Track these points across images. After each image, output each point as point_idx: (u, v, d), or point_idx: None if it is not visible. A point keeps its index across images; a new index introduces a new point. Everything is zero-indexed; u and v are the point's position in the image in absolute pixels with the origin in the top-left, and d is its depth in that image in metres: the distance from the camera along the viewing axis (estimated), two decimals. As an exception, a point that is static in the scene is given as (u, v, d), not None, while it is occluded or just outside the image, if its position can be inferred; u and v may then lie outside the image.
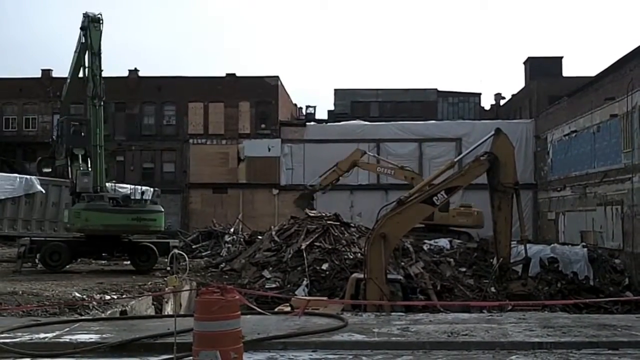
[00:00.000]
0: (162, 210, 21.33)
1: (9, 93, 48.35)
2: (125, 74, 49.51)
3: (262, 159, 46.05)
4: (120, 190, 21.24)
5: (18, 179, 31.92)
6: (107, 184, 21.52)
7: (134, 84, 48.14)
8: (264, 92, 47.17)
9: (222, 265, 24.09)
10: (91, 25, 21.38)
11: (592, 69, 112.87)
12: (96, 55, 21.40)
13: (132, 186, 21.19)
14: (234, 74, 47.85)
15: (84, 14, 21.67)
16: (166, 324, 9.74)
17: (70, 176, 21.84)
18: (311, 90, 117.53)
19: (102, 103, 21.72)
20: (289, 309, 14.24)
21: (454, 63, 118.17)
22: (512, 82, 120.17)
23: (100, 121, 21.55)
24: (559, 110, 39.21)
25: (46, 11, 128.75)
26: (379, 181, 43.31)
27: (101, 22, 21.59)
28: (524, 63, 50.96)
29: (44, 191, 31.16)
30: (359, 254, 21.60)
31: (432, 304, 18.50)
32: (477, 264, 25.39)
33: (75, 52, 22.11)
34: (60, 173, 25.38)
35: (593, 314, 16.27)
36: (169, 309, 16.25)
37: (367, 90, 61.30)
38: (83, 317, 11.99)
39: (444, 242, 28.58)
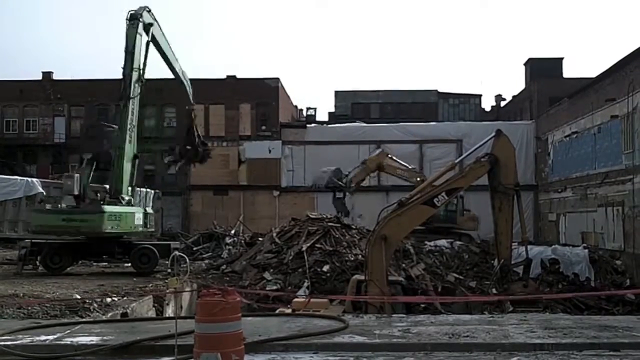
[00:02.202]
0: (104, 211, 19.56)
1: (10, 95, 48.43)
2: (126, 76, 49.55)
3: (262, 161, 46.09)
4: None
5: (19, 181, 31.96)
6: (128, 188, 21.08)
7: (135, 86, 48.10)
8: (264, 93, 47.19)
9: (223, 267, 24.05)
10: (126, 22, 21.29)
11: (592, 70, 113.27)
12: (128, 54, 21.43)
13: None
14: (234, 76, 47.92)
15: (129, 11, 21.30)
16: (167, 326, 9.73)
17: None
18: (311, 92, 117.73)
19: (127, 104, 21.60)
20: (289, 310, 14.23)
21: (454, 64, 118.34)
22: (513, 84, 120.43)
23: (124, 123, 21.44)
24: (559, 112, 39.20)
25: (47, 13, 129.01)
26: (379, 182, 43.31)
27: (140, 19, 21.14)
28: (525, 64, 50.97)
29: (45, 193, 31.19)
30: (360, 256, 21.56)
31: (431, 300, 18.53)
32: (478, 265, 25.38)
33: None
34: None
35: (594, 315, 16.28)
36: (169, 311, 16.23)
37: (368, 92, 61.35)
38: (84, 320, 11.98)
39: (444, 244, 28.53)
